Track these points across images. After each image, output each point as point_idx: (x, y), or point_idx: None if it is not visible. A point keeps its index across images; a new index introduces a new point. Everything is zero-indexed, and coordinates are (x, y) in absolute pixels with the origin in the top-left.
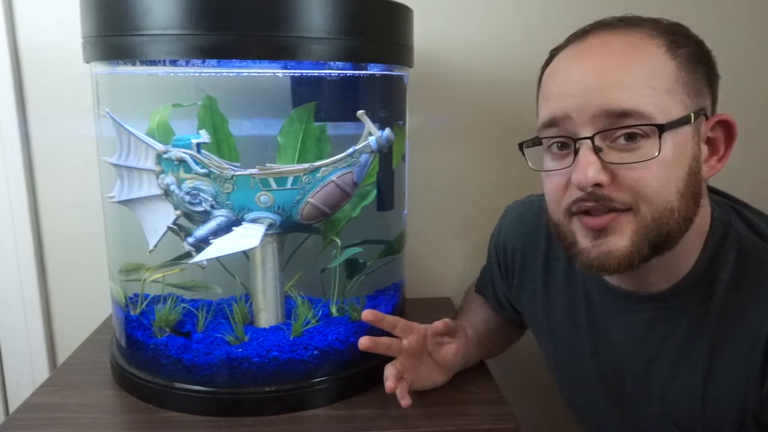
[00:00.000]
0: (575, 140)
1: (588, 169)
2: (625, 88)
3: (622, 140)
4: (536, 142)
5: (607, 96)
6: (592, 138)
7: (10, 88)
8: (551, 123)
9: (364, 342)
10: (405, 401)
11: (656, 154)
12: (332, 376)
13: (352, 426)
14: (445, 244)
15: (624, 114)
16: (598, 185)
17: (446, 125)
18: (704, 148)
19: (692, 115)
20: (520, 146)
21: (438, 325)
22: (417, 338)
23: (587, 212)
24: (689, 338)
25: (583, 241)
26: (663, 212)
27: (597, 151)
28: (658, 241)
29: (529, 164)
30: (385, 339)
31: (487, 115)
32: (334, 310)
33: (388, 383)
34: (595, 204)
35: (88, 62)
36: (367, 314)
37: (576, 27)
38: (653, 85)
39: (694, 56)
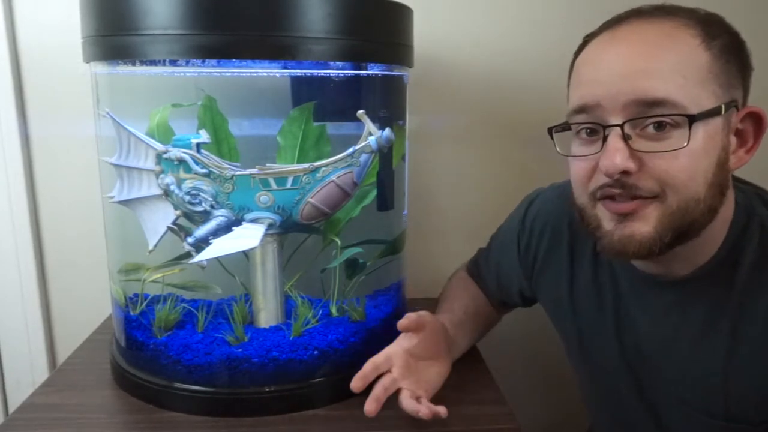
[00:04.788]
0: (605, 127)
1: (616, 155)
2: (656, 76)
3: (651, 129)
4: (565, 127)
5: (639, 84)
6: (621, 125)
7: (10, 88)
8: (581, 109)
9: (355, 384)
10: (443, 411)
11: (685, 144)
12: (332, 376)
13: (352, 426)
14: (445, 244)
15: (655, 103)
16: (625, 172)
17: (446, 125)
18: (733, 140)
19: (723, 106)
20: (550, 131)
21: (403, 323)
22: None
23: (612, 198)
24: (709, 322)
25: (608, 224)
26: (689, 202)
27: (626, 138)
28: (682, 229)
29: (558, 149)
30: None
31: (487, 115)
32: (334, 310)
33: (421, 412)
34: (621, 191)
35: (88, 62)
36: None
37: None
38: (685, 74)
39: (728, 47)
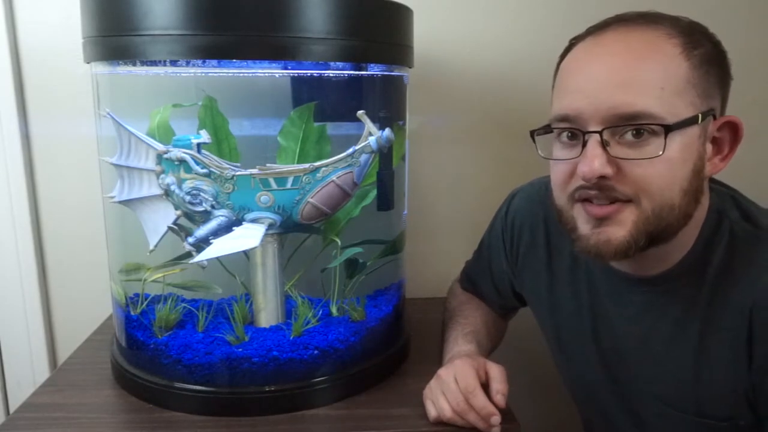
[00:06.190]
0: (584, 132)
1: (594, 161)
2: (635, 89)
3: (629, 137)
4: (547, 130)
5: (618, 98)
6: (600, 132)
7: (11, 88)
8: (563, 118)
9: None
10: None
11: (661, 152)
12: (332, 376)
13: (352, 426)
14: (445, 244)
15: (633, 116)
16: (602, 177)
17: (446, 125)
18: (709, 147)
19: (700, 115)
20: (532, 134)
21: (501, 403)
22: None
23: (589, 200)
24: (681, 321)
25: (584, 227)
26: (664, 208)
27: (604, 144)
28: (656, 234)
29: (539, 152)
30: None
31: (487, 115)
32: (334, 310)
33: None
34: (598, 193)
35: (88, 62)
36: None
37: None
38: (664, 85)
39: (708, 57)
